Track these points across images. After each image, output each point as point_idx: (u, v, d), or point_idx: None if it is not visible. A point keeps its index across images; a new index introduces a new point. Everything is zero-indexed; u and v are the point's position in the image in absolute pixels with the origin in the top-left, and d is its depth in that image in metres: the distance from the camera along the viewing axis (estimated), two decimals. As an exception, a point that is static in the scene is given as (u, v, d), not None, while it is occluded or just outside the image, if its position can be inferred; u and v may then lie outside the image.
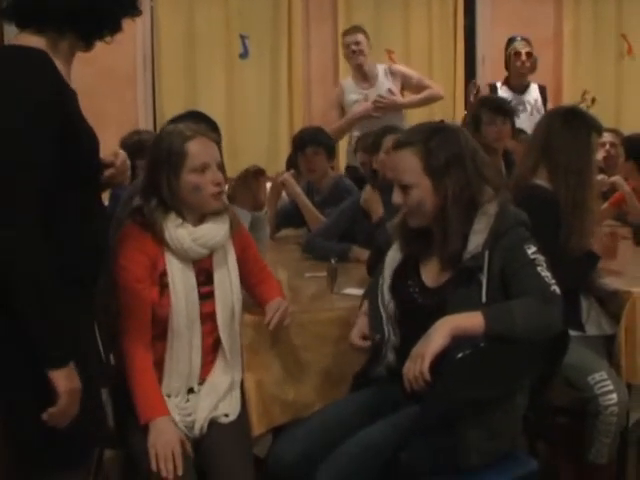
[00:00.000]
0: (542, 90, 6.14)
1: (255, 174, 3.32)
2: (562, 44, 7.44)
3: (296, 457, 2.44)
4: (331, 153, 4.82)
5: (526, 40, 6.06)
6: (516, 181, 3.40)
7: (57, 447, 2.14)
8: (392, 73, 6.07)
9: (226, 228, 2.75)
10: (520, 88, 6.04)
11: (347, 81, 6.15)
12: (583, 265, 3.25)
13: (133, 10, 2.25)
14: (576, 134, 3.25)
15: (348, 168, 5.89)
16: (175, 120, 3.24)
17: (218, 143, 2.78)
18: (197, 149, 2.66)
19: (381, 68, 6.08)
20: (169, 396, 2.64)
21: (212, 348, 2.73)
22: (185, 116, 3.42)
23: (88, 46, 2.23)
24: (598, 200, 3.28)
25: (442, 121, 2.90)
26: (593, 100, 5.94)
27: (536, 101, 5.96)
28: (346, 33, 6.09)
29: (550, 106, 6.07)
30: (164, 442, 2.47)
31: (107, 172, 2.32)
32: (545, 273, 2.39)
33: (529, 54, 6.00)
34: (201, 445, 2.60)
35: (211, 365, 2.73)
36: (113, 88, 6.85)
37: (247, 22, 7.13)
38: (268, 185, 4.10)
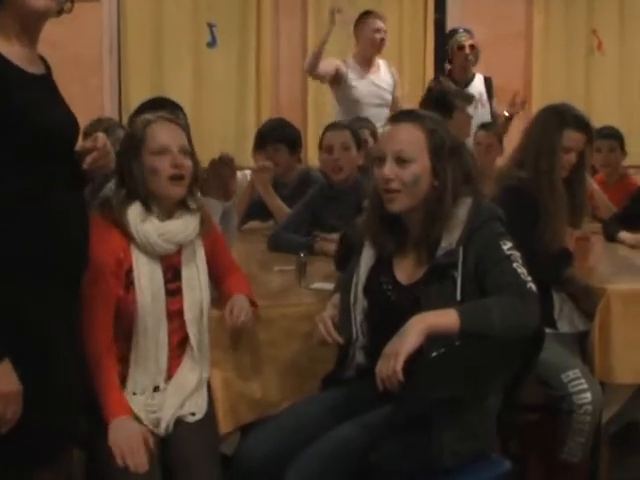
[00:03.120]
0: (487, 82, 6.03)
1: (225, 162, 3.24)
2: (532, 39, 7.38)
3: (264, 455, 2.37)
4: (294, 147, 4.72)
5: (469, 32, 5.98)
6: (504, 174, 3.41)
7: (20, 446, 2.06)
8: (391, 73, 6.09)
9: (195, 225, 2.66)
10: (464, 81, 5.91)
11: (349, 62, 5.95)
12: (557, 261, 3.21)
13: None
14: (549, 124, 3.29)
15: None
16: (142, 106, 3.17)
17: (185, 129, 2.69)
18: (156, 132, 2.59)
19: (382, 62, 6.05)
20: (135, 394, 2.56)
21: (179, 345, 2.65)
22: (150, 102, 3.34)
23: (35, 15, 2.09)
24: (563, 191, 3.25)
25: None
26: (523, 103, 5.86)
27: (481, 94, 5.83)
28: (373, 15, 5.92)
29: (497, 100, 6.02)
30: (125, 438, 2.39)
31: (89, 158, 2.21)
32: (521, 270, 2.34)
33: (472, 46, 5.89)
34: (167, 444, 2.52)
35: (178, 363, 2.65)
36: (78, 74, 6.68)
37: (215, 10, 7.03)
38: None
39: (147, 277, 2.56)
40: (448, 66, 6.15)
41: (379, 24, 5.89)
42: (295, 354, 2.82)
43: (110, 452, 2.38)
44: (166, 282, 2.61)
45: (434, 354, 2.17)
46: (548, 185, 3.22)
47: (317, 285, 3.13)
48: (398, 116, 2.55)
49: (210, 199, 3.08)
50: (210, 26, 7.04)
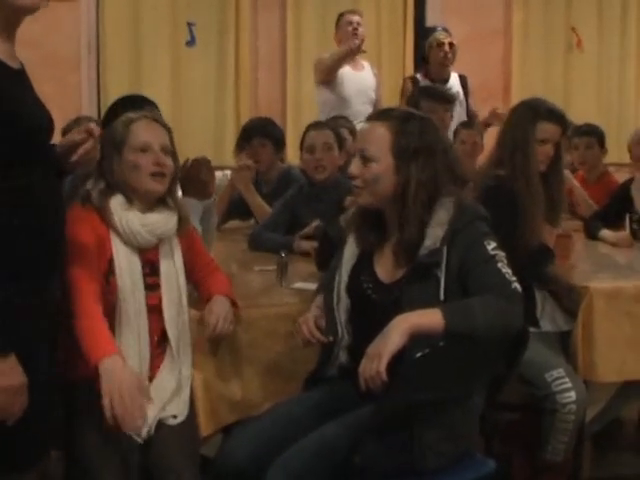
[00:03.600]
0: (463, 80, 5.99)
1: (203, 162, 3.21)
2: (511, 36, 7.40)
3: (246, 457, 2.34)
4: (279, 145, 4.72)
5: (446, 30, 5.96)
6: (481, 172, 3.41)
7: (5, 449, 2.05)
8: (374, 73, 6.11)
9: (174, 221, 2.65)
10: (441, 80, 5.86)
11: None
12: (537, 258, 3.20)
13: None
14: (523, 118, 3.31)
15: None
16: (116, 103, 3.16)
17: (168, 128, 2.68)
18: (140, 129, 2.61)
19: (365, 62, 6.06)
20: None
21: (159, 344, 2.62)
22: (125, 99, 3.32)
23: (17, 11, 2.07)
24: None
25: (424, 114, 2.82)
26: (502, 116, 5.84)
27: (457, 93, 5.83)
28: (348, 12, 5.97)
29: (473, 98, 6.01)
30: (118, 384, 2.28)
31: (81, 149, 2.20)
32: (506, 270, 2.32)
33: (451, 44, 5.86)
34: (148, 447, 2.48)
35: (157, 361, 2.61)
36: (56, 72, 6.64)
37: (194, 9, 6.99)
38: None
39: (127, 267, 2.55)
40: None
41: (352, 17, 5.89)
42: (276, 355, 2.79)
43: (88, 451, 2.35)
44: (145, 276, 2.59)
45: (418, 355, 2.15)
46: (524, 180, 3.21)
47: (298, 285, 3.10)
48: (371, 115, 2.57)
49: (189, 199, 3.06)
50: (189, 25, 7.00)
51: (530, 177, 3.21)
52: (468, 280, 2.33)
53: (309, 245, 3.62)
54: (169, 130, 2.69)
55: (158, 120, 2.69)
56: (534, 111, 3.32)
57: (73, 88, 6.68)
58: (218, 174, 5.01)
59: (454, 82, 5.94)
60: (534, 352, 2.95)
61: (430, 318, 2.21)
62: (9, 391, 1.99)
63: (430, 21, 7.22)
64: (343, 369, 2.51)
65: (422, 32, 7.20)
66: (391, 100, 6.94)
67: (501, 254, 2.35)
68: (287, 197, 4.16)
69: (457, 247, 2.35)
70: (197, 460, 2.51)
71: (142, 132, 2.61)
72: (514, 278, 2.31)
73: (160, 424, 2.51)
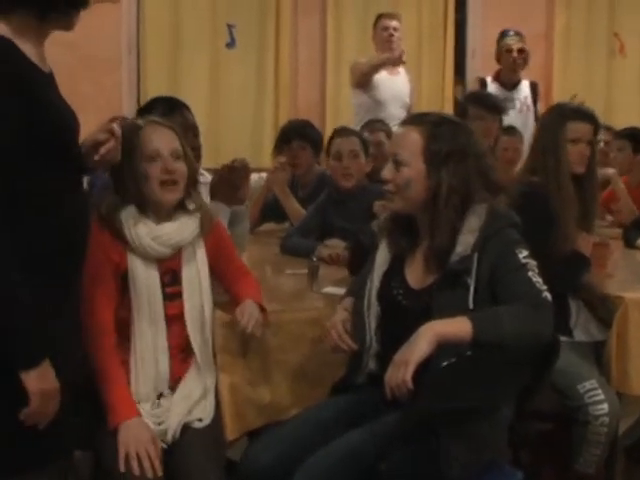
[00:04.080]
0: (533, 87, 5.99)
1: (241, 169, 3.19)
2: (553, 40, 7.34)
3: (270, 462, 2.33)
4: (317, 148, 4.69)
5: (519, 35, 5.91)
6: (518, 178, 3.38)
7: (22, 448, 2.05)
8: (409, 79, 6.13)
9: (194, 226, 2.62)
10: (511, 84, 5.89)
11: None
12: (573, 267, 3.15)
13: None
14: (551, 121, 3.29)
15: None
16: (147, 106, 3.15)
17: (190, 129, 2.65)
18: (149, 137, 2.56)
19: (401, 69, 6.07)
20: (139, 402, 2.51)
21: (182, 351, 2.62)
22: (156, 101, 3.31)
23: (48, 23, 2.09)
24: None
25: (458, 118, 2.80)
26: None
27: (526, 98, 5.82)
28: (385, 16, 5.99)
29: (542, 104, 5.97)
30: (135, 440, 2.36)
31: (103, 149, 2.19)
32: (536, 279, 2.28)
33: (521, 50, 5.83)
34: (173, 450, 2.48)
35: (182, 368, 2.61)
36: (96, 74, 6.71)
37: (234, 11, 7.00)
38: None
39: (142, 281, 2.53)
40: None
41: (389, 22, 5.91)
42: (305, 359, 2.77)
43: (112, 453, 2.36)
44: (164, 286, 2.58)
45: (444, 363, 2.12)
46: (556, 184, 3.17)
47: (328, 289, 3.08)
48: (405, 119, 2.55)
49: (218, 203, 3.05)
50: (229, 27, 7.01)
51: (561, 180, 3.17)
52: (498, 288, 2.30)
53: (326, 252, 3.63)
54: (179, 133, 2.65)
55: (166, 124, 2.64)
56: (561, 113, 3.30)
57: (113, 89, 6.70)
58: (254, 176, 5.02)
59: (524, 88, 5.94)
60: (567, 362, 2.94)
61: (458, 326, 2.18)
62: (44, 395, 2.00)
63: (471, 24, 7.19)
64: (372, 376, 2.48)
65: (463, 36, 7.20)
66: (430, 102, 6.93)
67: (532, 262, 2.31)
68: (318, 202, 4.14)
69: (488, 254, 2.32)
70: (222, 463, 2.50)
71: (151, 139, 2.56)
72: (545, 287, 2.27)
73: (185, 427, 2.51)
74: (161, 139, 2.58)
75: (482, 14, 7.22)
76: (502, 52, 5.91)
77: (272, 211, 4.65)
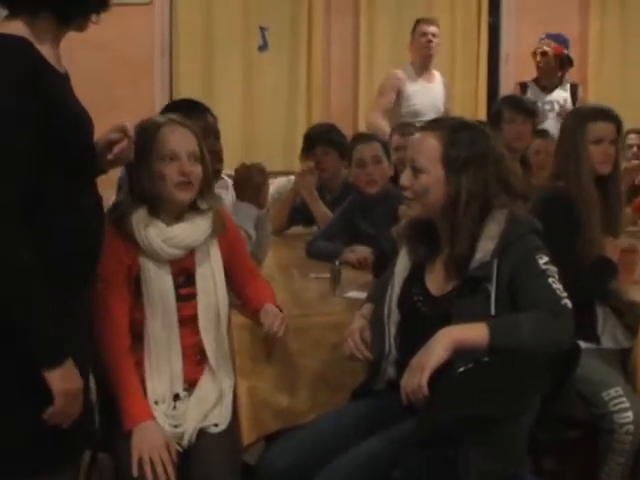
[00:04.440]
0: (573, 89, 5.96)
1: (259, 172, 3.19)
2: (588, 43, 7.27)
3: (287, 467, 2.33)
4: (343, 152, 4.63)
5: (553, 38, 5.89)
6: (543, 184, 3.36)
7: (40, 448, 2.05)
8: (445, 84, 6.12)
9: (206, 227, 2.60)
10: (550, 87, 5.88)
11: (406, 70, 6.00)
12: (600, 273, 3.11)
13: None
14: (571, 124, 3.25)
15: None
16: (168, 107, 3.16)
17: (211, 132, 2.64)
18: (167, 137, 2.54)
19: (437, 73, 6.08)
20: (157, 403, 2.51)
21: (197, 353, 2.61)
22: (178, 103, 3.32)
23: (69, 26, 2.10)
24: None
25: (477, 122, 2.76)
26: None
27: (565, 100, 5.78)
28: (423, 21, 5.99)
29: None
30: (149, 445, 2.36)
31: (116, 148, 2.19)
32: (557, 285, 2.25)
33: (543, 53, 5.81)
34: (189, 455, 2.48)
35: (197, 369, 2.60)
36: (129, 76, 6.77)
37: (266, 13, 7.02)
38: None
39: (155, 284, 2.53)
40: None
41: (427, 28, 5.90)
42: (324, 364, 2.76)
43: (131, 459, 2.36)
44: (178, 287, 2.57)
45: (461, 369, 2.09)
46: (578, 187, 3.12)
47: (351, 294, 3.06)
48: (423, 125, 2.51)
49: (244, 203, 3.05)
50: (262, 29, 7.02)
51: (583, 183, 3.12)
52: (518, 295, 2.27)
53: (354, 257, 3.61)
54: (198, 133, 2.63)
55: (186, 124, 2.61)
56: (581, 114, 3.28)
57: (146, 92, 6.73)
58: (283, 179, 5.03)
59: (562, 90, 5.91)
60: (592, 369, 2.91)
61: (475, 332, 2.16)
62: (69, 395, 2.01)
63: (505, 28, 7.15)
64: (391, 383, 2.46)
65: (497, 40, 7.16)
66: (463, 106, 6.90)
67: (552, 269, 2.28)
68: (344, 207, 4.12)
69: (508, 261, 2.29)
70: (238, 468, 2.50)
71: (169, 140, 2.53)
72: (565, 294, 2.24)
73: (201, 432, 2.51)
74: (179, 140, 2.56)
75: (516, 18, 7.17)
76: (534, 56, 5.93)
77: (300, 214, 4.64)
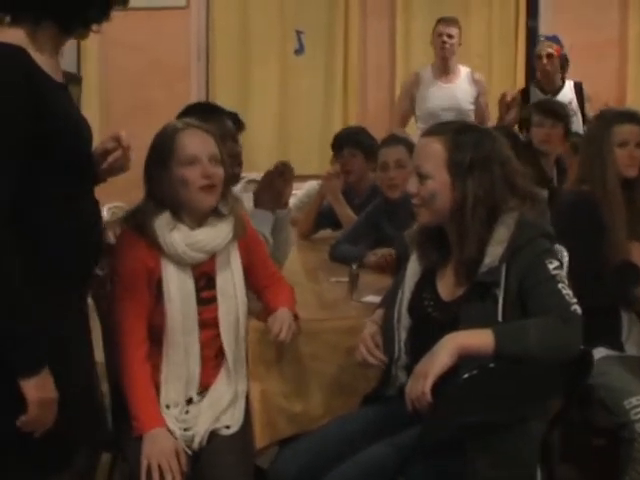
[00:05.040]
0: (577, 88, 5.88)
1: (280, 172, 3.19)
2: (627, 47, 7.15)
3: (298, 470, 2.33)
4: (370, 155, 4.60)
5: (552, 40, 5.85)
6: (568, 188, 3.33)
7: (39, 450, 2.07)
8: (475, 80, 6.01)
9: (228, 231, 2.60)
10: (553, 89, 5.81)
11: (425, 72, 6.03)
12: (624, 278, 3.05)
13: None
14: (596, 128, 3.23)
15: None
16: (183, 112, 3.17)
17: (228, 136, 2.64)
18: (186, 141, 2.54)
19: (465, 70, 6.02)
20: (168, 407, 2.52)
21: (214, 356, 2.61)
22: (193, 108, 3.31)
23: (70, 35, 2.13)
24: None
25: (481, 124, 2.75)
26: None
27: (571, 101, 5.68)
28: (442, 22, 5.96)
29: (589, 105, 5.86)
30: (158, 452, 2.37)
31: (111, 157, 2.20)
32: (566, 291, 2.21)
33: (550, 55, 5.76)
34: (200, 457, 2.48)
35: (213, 373, 2.60)
36: (165, 79, 6.86)
37: (303, 17, 7.06)
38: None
39: (177, 287, 2.53)
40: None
41: (444, 29, 5.86)
42: (339, 369, 2.74)
43: (138, 459, 2.37)
44: (199, 291, 2.57)
45: (465, 376, 2.07)
46: (602, 191, 3.08)
47: (369, 298, 3.04)
48: (426, 130, 2.48)
49: (261, 210, 3.04)
50: (298, 33, 7.05)
51: (608, 186, 3.08)
52: (527, 300, 2.23)
53: (378, 260, 3.59)
54: (217, 136, 2.63)
55: (204, 127, 2.61)
56: (605, 118, 3.24)
57: (182, 95, 6.74)
58: (313, 183, 5.03)
59: (567, 91, 5.83)
60: (615, 377, 2.87)
61: (480, 338, 2.13)
62: (43, 404, 2.01)
63: (543, 30, 7.06)
64: (402, 389, 2.43)
65: (534, 42, 7.08)
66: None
67: (562, 274, 2.25)
68: (368, 210, 4.11)
69: (517, 265, 2.25)
70: (251, 471, 2.50)
71: (189, 144, 2.54)
72: (574, 300, 2.21)
73: (213, 434, 2.51)
74: (199, 143, 2.56)
75: (554, 20, 7.07)
76: (536, 59, 5.90)
77: (327, 218, 4.64)
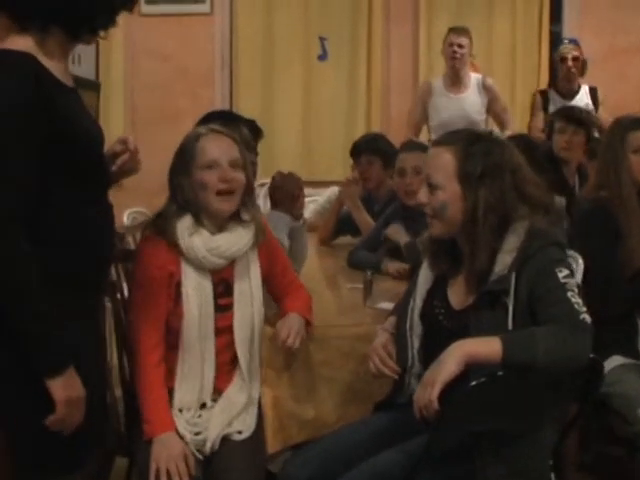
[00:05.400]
0: (593, 92, 5.88)
1: (295, 180, 3.21)
2: (654, 51, 7.10)
3: (307, 476, 2.35)
4: (389, 161, 4.57)
5: (574, 43, 5.82)
6: (585, 194, 3.31)
7: (50, 452, 2.09)
8: (485, 87, 5.94)
9: (248, 237, 2.62)
10: (570, 93, 5.81)
11: (437, 81, 6.05)
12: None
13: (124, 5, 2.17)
14: (612, 135, 3.23)
15: None
16: (203, 120, 3.20)
17: (243, 143, 2.66)
18: (207, 146, 2.57)
19: (475, 78, 5.97)
20: (181, 411, 2.55)
21: (229, 362, 2.64)
22: (212, 115, 3.35)
23: (78, 41, 2.15)
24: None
25: (491, 132, 2.74)
26: None
27: (587, 106, 5.66)
28: (452, 31, 5.96)
29: (602, 109, 5.84)
30: (167, 456, 2.39)
31: (119, 160, 2.24)
32: (576, 299, 2.20)
33: (576, 58, 5.75)
34: (211, 461, 2.50)
35: (227, 378, 2.63)
36: (190, 87, 6.93)
37: (326, 23, 7.07)
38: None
39: (195, 292, 2.55)
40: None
41: (455, 39, 5.86)
42: (351, 375, 2.74)
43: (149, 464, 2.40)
44: (217, 297, 2.59)
45: (473, 383, 2.06)
46: (619, 198, 3.08)
47: (383, 305, 3.04)
48: (436, 139, 2.47)
49: (278, 212, 3.06)
50: (321, 39, 7.07)
51: (624, 193, 3.08)
52: (537, 308, 2.22)
53: (395, 267, 3.59)
54: (240, 142, 2.65)
55: (226, 133, 2.63)
56: (620, 125, 3.24)
57: (206, 102, 6.78)
58: (335, 189, 5.04)
59: (583, 95, 5.83)
60: (629, 385, 2.87)
61: (488, 347, 2.12)
62: (70, 403, 2.03)
63: (567, 34, 7.02)
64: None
65: (558, 47, 7.04)
66: (524, 115, 6.80)
67: (572, 282, 2.23)
68: (386, 216, 4.11)
69: (527, 274, 2.24)
70: (262, 476, 2.52)
71: (210, 148, 2.57)
72: (584, 308, 2.19)
73: (225, 439, 2.52)
74: (220, 148, 2.59)
75: (578, 26, 7.02)
76: (557, 61, 5.88)
77: (347, 225, 4.64)
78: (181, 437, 2.48)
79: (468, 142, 2.36)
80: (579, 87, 5.84)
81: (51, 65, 2.06)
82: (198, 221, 2.57)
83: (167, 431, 2.45)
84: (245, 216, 2.64)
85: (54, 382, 2.00)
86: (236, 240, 2.60)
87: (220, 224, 2.60)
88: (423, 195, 2.40)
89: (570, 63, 5.73)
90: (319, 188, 5.61)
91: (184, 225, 2.55)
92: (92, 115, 2.25)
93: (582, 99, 5.74)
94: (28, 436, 2.07)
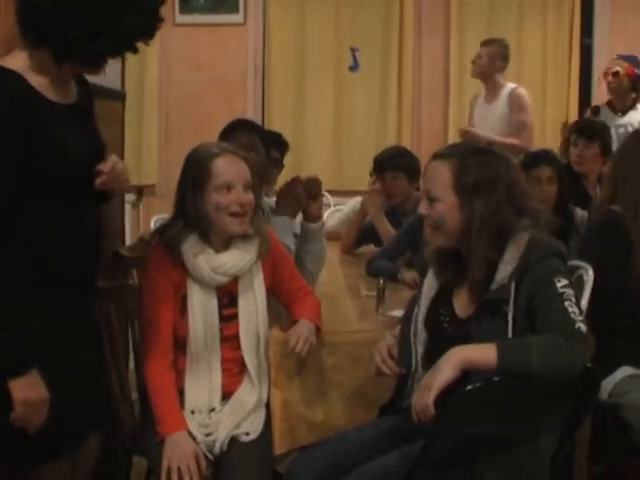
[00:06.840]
0: None
1: (313, 184, 3.25)
2: (685, 65, 7.05)
3: (312, 477, 2.41)
4: (413, 175, 4.62)
5: (626, 59, 5.74)
6: (597, 207, 3.31)
7: (30, 442, 2.15)
8: (512, 96, 5.83)
9: (252, 253, 2.69)
10: (623, 109, 5.69)
11: (481, 91, 6.06)
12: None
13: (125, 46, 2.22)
14: (628, 147, 3.23)
15: None
16: (226, 130, 3.27)
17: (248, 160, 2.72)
18: (222, 168, 2.62)
19: (508, 89, 5.88)
20: (193, 412, 2.63)
21: (237, 367, 2.71)
22: (236, 126, 3.41)
23: (64, 64, 2.20)
24: None
25: (491, 145, 2.79)
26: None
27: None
28: (483, 43, 5.99)
29: None
30: (178, 456, 2.47)
31: (98, 180, 2.28)
32: (573, 309, 2.24)
33: (615, 74, 5.62)
34: (219, 462, 2.58)
35: (236, 381, 2.70)
36: (223, 95, 7.04)
37: (358, 35, 7.14)
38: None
39: (200, 306, 2.63)
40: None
41: (480, 49, 5.91)
42: (360, 380, 2.80)
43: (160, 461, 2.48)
44: (222, 308, 2.67)
45: (468, 388, 2.12)
46: (633, 210, 3.07)
47: (395, 312, 3.09)
48: (436, 153, 2.52)
49: (281, 217, 3.13)
50: (353, 50, 7.13)
51: (638, 207, 3.08)
52: (535, 317, 2.27)
53: (411, 277, 3.64)
54: (250, 162, 2.70)
55: (239, 154, 2.68)
56: (636, 136, 3.26)
57: (239, 111, 6.87)
58: (359, 198, 5.08)
59: (636, 112, 5.71)
60: (638, 395, 2.86)
61: (484, 353, 2.18)
62: (29, 404, 2.09)
63: (598, 47, 7.04)
64: (414, 401, 2.50)
65: (589, 61, 7.04)
66: (554, 128, 6.81)
67: (570, 292, 2.27)
68: (406, 225, 4.15)
69: (527, 283, 2.30)
70: (269, 477, 2.58)
71: (225, 170, 2.61)
72: (580, 318, 2.23)
73: (233, 440, 2.60)
74: (235, 170, 2.64)
75: (609, 39, 7.02)
76: (605, 77, 5.77)
77: (370, 234, 4.68)
78: (193, 437, 2.55)
79: (464, 155, 2.42)
80: (633, 104, 5.70)
81: (41, 82, 2.15)
82: (205, 238, 2.64)
83: (179, 431, 2.53)
84: (249, 231, 2.70)
85: (14, 383, 2.07)
86: (240, 257, 2.67)
87: (226, 241, 2.68)
88: (423, 207, 2.46)
89: (610, 78, 5.63)
90: (348, 197, 5.64)
91: (188, 245, 2.62)
92: (91, 130, 2.32)
93: (633, 116, 5.62)
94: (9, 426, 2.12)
